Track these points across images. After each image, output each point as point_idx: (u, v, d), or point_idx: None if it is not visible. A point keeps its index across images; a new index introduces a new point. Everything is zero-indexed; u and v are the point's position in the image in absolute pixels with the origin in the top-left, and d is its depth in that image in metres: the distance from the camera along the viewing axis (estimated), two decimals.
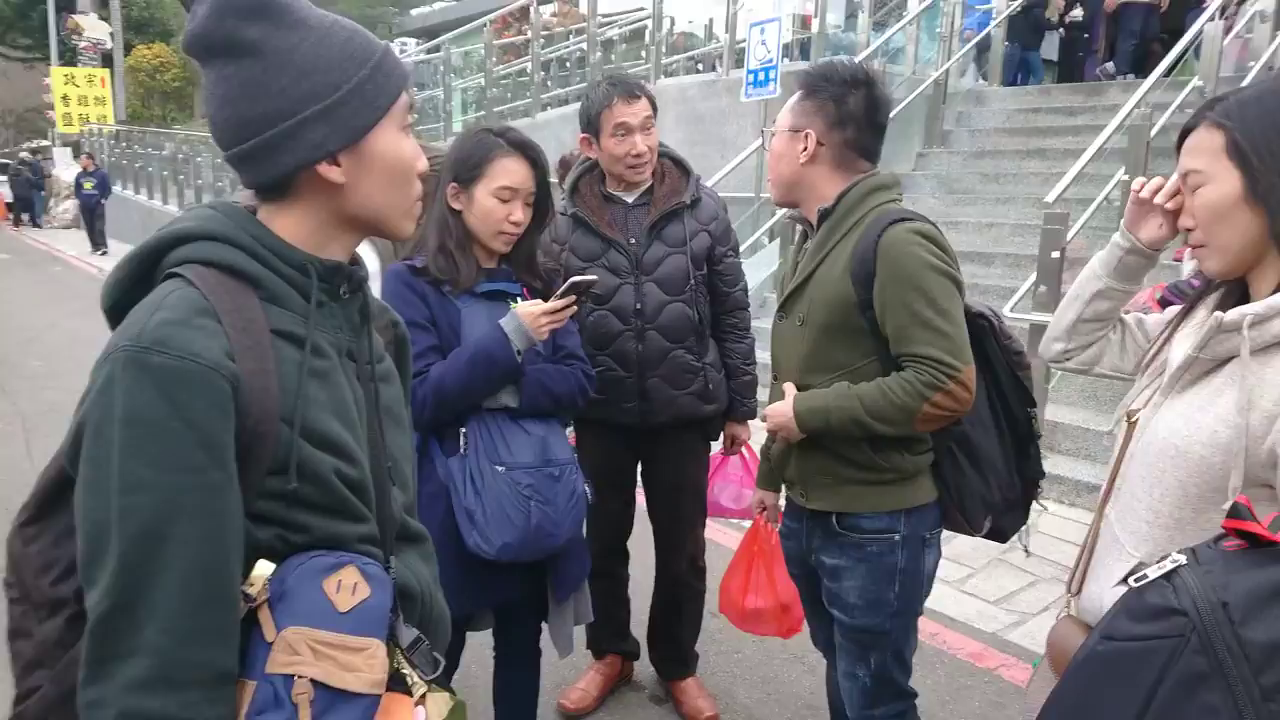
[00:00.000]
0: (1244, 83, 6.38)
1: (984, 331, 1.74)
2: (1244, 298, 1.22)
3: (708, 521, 2.73)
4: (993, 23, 8.84)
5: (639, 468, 2.63)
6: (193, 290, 0.87)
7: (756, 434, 2.34)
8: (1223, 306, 1.23)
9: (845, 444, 1.72)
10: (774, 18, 7.89)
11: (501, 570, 1.89)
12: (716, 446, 2.70)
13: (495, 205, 1.91)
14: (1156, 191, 1.33)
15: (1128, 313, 1.49)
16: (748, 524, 2.35)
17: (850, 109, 1.72)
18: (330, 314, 1.00)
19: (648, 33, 10.15)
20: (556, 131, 9.18)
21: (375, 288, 1.89)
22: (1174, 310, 1.39)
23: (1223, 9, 6.41)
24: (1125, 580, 1.20)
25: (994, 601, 3.46)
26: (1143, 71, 7.81)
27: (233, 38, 0.91)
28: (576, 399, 2.05)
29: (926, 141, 8.21)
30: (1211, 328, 1.17)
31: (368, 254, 2.07)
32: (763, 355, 2.19)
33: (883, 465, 1.71)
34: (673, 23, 11.16)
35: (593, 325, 2.37)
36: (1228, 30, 6.56)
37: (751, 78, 7.29)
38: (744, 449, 2.71)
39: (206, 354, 0.83)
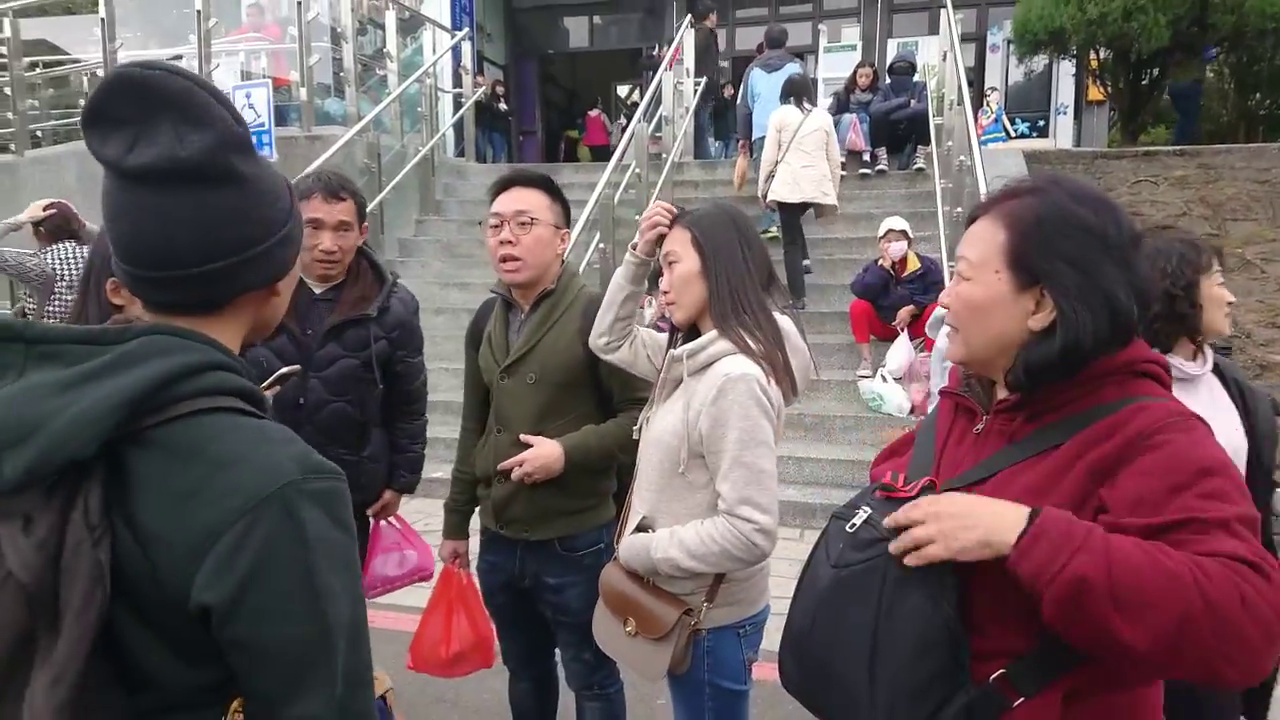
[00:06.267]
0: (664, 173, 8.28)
1: None
2: (695, 334, 1.78)
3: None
4: (463, 108, 9.84)
5: None
6: (254, 419, 0.90)
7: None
8: (673, 344, 1.82)
9: (576, 477, 2.07)
10: (261, 81, 7.68)
11: None
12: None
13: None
14: (653, 227, 1.87)
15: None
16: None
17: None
18: None
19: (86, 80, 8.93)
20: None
21: None
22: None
23: (645, 110, 8.15)
24: (639, 529, 1.77)
25: None
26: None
27: (227, 167, 0.91)
28: None
29: (423, 209, 8.76)
30: (666, 359, 1.79)
31: None
32: None
33: (596, 491, 2.15)
34: None
35: None
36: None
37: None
38: (393, 519, 2.78)
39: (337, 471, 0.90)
